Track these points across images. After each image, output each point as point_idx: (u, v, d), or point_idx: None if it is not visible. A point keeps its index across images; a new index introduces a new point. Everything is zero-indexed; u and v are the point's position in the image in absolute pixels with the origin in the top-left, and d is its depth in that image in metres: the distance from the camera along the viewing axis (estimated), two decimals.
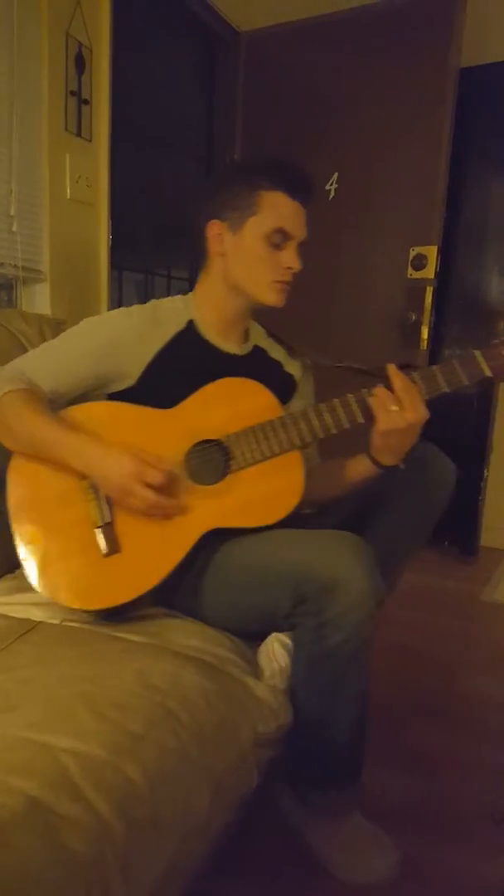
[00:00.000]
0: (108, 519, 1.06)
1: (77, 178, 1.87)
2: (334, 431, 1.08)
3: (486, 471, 2.60)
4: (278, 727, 0.97)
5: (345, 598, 0.93)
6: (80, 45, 1.82)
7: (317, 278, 2.38)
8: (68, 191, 1.85)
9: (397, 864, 1.06)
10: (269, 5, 2.49)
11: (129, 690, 0.82)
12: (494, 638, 1.92)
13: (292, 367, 1.29)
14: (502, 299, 2.48)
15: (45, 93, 1.74)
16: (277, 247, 1.11)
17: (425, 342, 2.17)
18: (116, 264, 2.03)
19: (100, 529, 1.05)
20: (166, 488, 1.02)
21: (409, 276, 2.17)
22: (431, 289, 2.15)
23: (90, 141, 1.91)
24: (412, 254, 2.16)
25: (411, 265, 2.16)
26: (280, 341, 1.30)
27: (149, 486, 1.00)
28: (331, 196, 2.33)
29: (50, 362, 1.14)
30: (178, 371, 1.14)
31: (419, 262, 2.15)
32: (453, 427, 2.61)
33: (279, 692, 1.01)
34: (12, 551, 1.09)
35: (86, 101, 1.87)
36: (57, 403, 1.13)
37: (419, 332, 2.18)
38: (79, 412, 1.12)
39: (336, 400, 1.08)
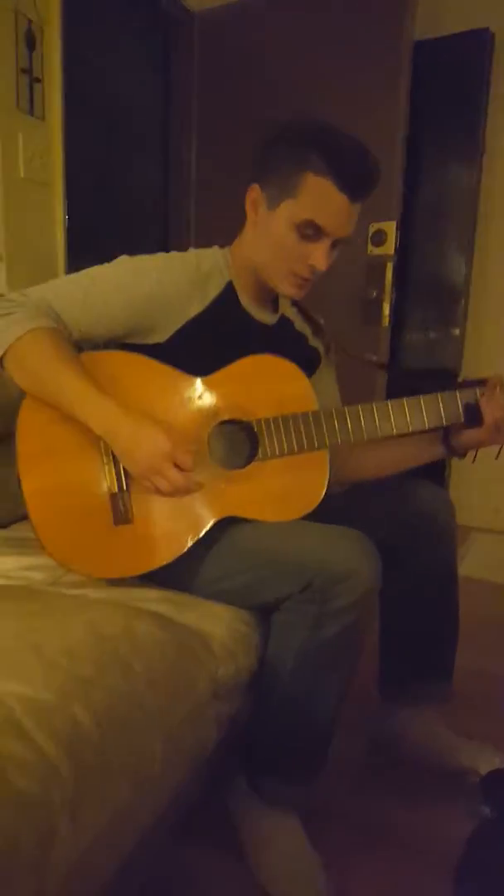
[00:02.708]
0: (124, 486, 1.00)
1: (31, 156, 1.85)
2: (392, 433, 1.07)
3: None
4: (237, 670, 0.97)
5: (353, 591, 0.93)
6: (30, 21, 1.80)
7: None
8: (22, 170, 1.82)
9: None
10: None
11: (80, 639, 0.81)
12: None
13: (316, 343, 1.24)
14: (462, 273, 2.50)
15: None
16: (308, 238, 1.00)
17: (387, 318, 2.19)
18: (74, 243, 2.00)
19: (114, 496, 1.00)
20: (192, 470, 0.96)
21: (368, 252, 2.18)
22: (391, 265, 2.16)
23: (43, 120, 1.88)
24: (371, 230, 2.17)
25: (371, 241, 2.18)
26: (305, 316, 1.23)
27: (177, 467, 0.93)
28: None
29: (81, 303, 1.01)
30: (212, 336, 1.06)
31: (378, 238, 2.16)
32: None
33: (239, 635, 1.01)
34: (7, 505, 1.03)
35: (37, 80, 1.85)
36: (80, 347, 1.03)
37: (380, 309, 2.19)
38: (100, 361, 1.01)
39: (408, 399, 1.06)
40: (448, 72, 2.36)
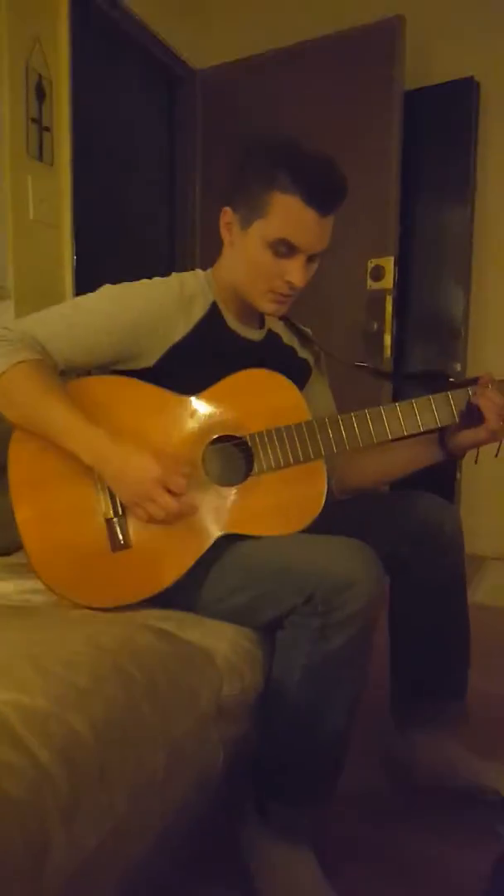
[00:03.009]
0: (120, 511, 0.98)
1: (40, 200, 1.92)
2: (380, 440, 1.05)
3: (458, 473, 2.60)
4: (242, 688, 0.94)
5: (356, 600, 0.90)
6: (40, 76, 1.90)
7: None
8: (31, 212, 1.90)
9: None
10: (224, 42, 2.64)
11: (78, 650, 0.79)
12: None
13: (305, 354, 1.24)
14: (461, 308, 2.54)
15: (5, 118, 1.81)
16: (282, 255, 1.00)
17: (389, 349, 2.22)
18: (81, 283, 2.06)
19: (110, 522, 0.98)
20: (185, 493, 0.94)
21: (368, 287, 2.23)
22: (391, 298, 2.20)
23: (52, 166, 1.97)
24: (370, 265, 2.23)
25: (370, 276, 2.23)
26: (293, 328, 1.24)
27: (170, 492, 0.92)
28: None
29: (66, 333, 1.01)
30: (199, 358, 1.06)
31: (377, 273, 2.21)
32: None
33: (243, 651, 0.98)
34: (9, 534, 1.01)
35: (47, 129, 1.94)
36: (67, 375, 1.03)
37: (382, 341, 2.23)
38: (88, 387, 1.02)
39: (400, 404, 1.04)
40: (438, 118, 2.47)
